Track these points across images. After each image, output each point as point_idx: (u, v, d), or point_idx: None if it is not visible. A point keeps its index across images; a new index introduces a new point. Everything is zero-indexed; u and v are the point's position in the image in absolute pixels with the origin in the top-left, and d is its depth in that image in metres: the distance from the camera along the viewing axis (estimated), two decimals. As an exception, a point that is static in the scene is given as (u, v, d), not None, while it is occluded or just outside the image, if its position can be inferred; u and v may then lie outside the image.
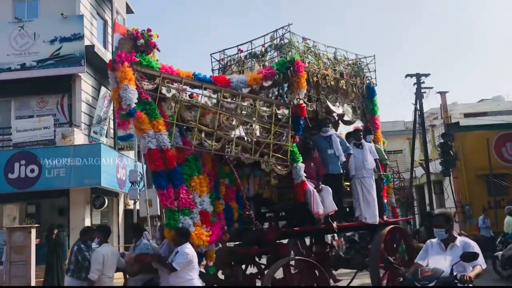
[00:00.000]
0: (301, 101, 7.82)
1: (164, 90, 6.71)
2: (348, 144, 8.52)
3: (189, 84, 6.97)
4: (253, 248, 7.58)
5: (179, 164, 6.75)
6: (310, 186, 7.60)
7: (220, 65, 9.08)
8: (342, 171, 8.33)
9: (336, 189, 8.21)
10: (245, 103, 7.42)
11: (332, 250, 10.18)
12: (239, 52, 8.84)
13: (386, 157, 9.70)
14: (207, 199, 6.95)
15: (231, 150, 7.13)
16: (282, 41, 8.15)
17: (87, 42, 16.43)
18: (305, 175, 7.67)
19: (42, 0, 17.19)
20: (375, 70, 9.81)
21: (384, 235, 8.49)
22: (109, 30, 18.15)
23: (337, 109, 8.80)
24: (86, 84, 16.84)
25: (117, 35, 6.57)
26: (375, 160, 8.95)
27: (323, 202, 7.61)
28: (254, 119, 7.38)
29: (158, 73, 6.65)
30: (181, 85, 6.85)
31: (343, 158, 8.29)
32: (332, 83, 8.63)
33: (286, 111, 7.76)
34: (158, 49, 6.80)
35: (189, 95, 7.08)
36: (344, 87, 8.84)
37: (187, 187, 6.74)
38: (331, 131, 8.53)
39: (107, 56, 17.18)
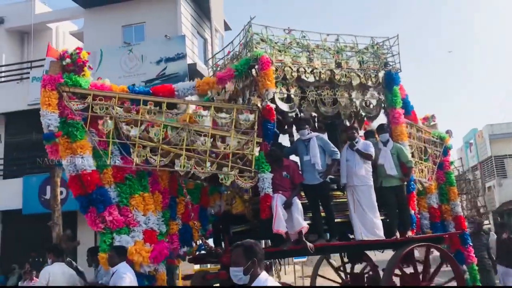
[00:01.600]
0: (268, 103, 6.82)
1: (98, 108, 6.46)
2: (332, 148, 7.15)
3: (124, 98, 6.59)
4: (221, 273, 6.76)
5: (117, 184, 6.41)
6: (279, 199, 6.53)
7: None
8: (323, 180, 7.00)
9: (313, 201, 7.01)
10: (195, 111, 6.73)
11: (374, 269, 8.62)
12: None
13: (410, 158, 7.90)
14: (154, 217, 6.47)
15: (182, 164, 6.53)
16: (247, 38, 7.24)
17: (189, 61, 17.04)
18: (277, 186, 6.67)
19: (148, 24, 18.27)
20: (398, 53, 8.11)
21: (399, 257, 6.86)
22: (209, 47, 18.66)
23: (329, 109, 7.44)
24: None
25: (48, 59, 6.56)
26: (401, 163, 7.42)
27: (289, 219, 6.47)
28: (207, 127, 6.66)
29: (88, 91, 6.45)
30: (116, 101, 6.52)
31: (319, 167, 6.94)
32: (323, 76, 7.35)
33: (252, 116, 6.84)
34: (90, 67, 6.62)
35: (126, 110, 6.64)
36: (343, 79, 7.46)
37: (126, 206, 6.36)
38: (311, 133, 7.25)
39: (208, 73, 17.66)
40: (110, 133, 6.43)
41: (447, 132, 9.08)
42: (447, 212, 8.55)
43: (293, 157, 7.58)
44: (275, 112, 6.90)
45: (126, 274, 5.61)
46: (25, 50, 19.01)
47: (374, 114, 7.86)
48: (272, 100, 6.94)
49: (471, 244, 8.45)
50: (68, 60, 6.37)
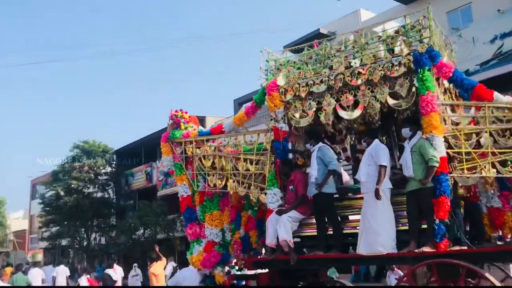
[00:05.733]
0: (274, 124, 7.47)
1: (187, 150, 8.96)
2: (329, 159, 6.74)
3: (199, 140, 8.76)
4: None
5: (201, 205, 8.69)
6: (272, 215, 7.16)
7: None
8: (318, 192, 6.82)
9: (315, 213, 7.02)
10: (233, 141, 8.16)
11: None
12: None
13: (433, 156, 5.99)
14: (217, 230, 8.35)
15: (230, 186, 8.18)
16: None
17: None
18: (287, 201, 7.29)
19: (475, 3, 17.39)
20: (428, 27, 6.47)
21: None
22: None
23: (349, 112, 6.96)
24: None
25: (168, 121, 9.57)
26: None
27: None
28: (240, 154, 8.00)
29: (181, 140, 9.05)
30: (195, 142, 8.82)
31: (312, 179, 6.84)
32: (332, 82, 7.10)
33: (265, 138, 7.69)
34: (187, 121, 9.08)
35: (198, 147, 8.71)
36: (352, 78, 6.93)
37: (203, 222, 8.56)
38: (316, 145, 7.11)
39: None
40: (194, 166, 8.79)
41: None
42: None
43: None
44: (286, 131, 7.44)
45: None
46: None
47: (405, 105, 6.67)
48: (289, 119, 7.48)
49: None
50: (170, 121, 9.25)
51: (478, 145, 6.39)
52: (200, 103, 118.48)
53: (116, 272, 13.36)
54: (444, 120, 6.61)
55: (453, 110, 6.90)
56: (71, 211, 28.23)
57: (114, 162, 31.79)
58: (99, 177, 30.55)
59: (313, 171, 6.96)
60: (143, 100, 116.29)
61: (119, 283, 13.53)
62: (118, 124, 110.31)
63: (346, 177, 8.17)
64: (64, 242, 30.92)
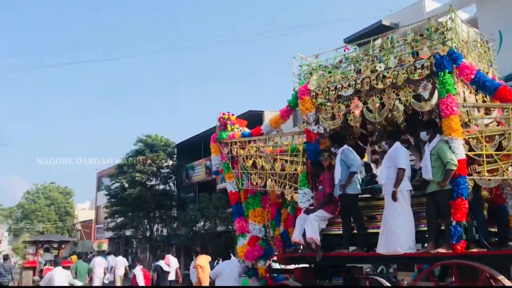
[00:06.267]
0: (305, 126, 7.84)
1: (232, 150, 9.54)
2: (351, 161, 7.02)
3: (242, 141, 9.28)
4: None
5: (245, 202, 9.25)
6: (301, 214, 7.58)
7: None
8: (342, 193, 7.16)
9: (341, 213, 7.27)
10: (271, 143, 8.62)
11: None
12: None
13: (450, 159, 5.97)
14: (259, 226, 8.87)
15: (268, 184, 8.67)
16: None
17: None
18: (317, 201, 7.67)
19: None
20: (450, 29, 6.47)
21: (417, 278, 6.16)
22: None
23: (375, 114, 7.13)
24: None
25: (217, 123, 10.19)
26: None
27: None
28: (277, 154, 8.45)
29: (228, 141, 9.63)
30: (239, 143, 9.37)
31: (336, 181, 7.19)
32: (359, 85, 7.31)
33: (298, 139, 8.08)
34: (233, 123, 9.66)
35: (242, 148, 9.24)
36: (377, 81, 7.10)
37: (247, 217, 9.12)
38: (340, 148, 7.44)
39: None
40: (239, 166, 9.36)
41: None
42: None
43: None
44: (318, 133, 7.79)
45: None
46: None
47: (428, 108, 6.73)
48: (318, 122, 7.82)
49: None
50: (218, 123, 9.89)
51: (502, 147, 6.35)
52: (264, 98, 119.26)
53: (170, 264, 14.26)
54: (469, 122, 6.63)
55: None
56: (134, 203, 29.32)
57: (175, 156, 32.51)
58: (161, 170, 31.45)
59: (337, 173, 7.26)
60: (204, 96, 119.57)
61: (171, 275, 14.37)
62: (180, 119, 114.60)
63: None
64: (128, 232, 32.12)
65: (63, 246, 24.57)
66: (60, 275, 10.60)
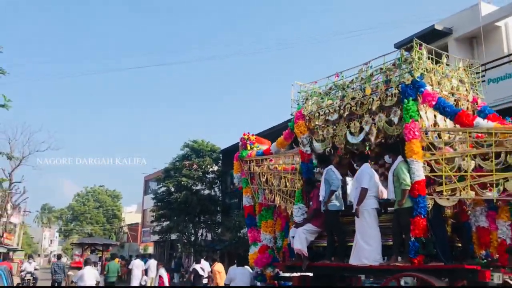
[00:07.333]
0: (300, 147, 8.70)
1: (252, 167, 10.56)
2: (332, 180, 7.77)
3: (257, 159, 10.27)
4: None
5: (259, 214, 10.24)
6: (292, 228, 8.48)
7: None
8: (323, 209, 7.93)
9: (325, 227, 8.01)
10: (276, 162, 9.55)
11: None
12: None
13: (404, 179, 6.58)
14: (269, 236, 9.81)
15: (276, 199, 9.62)
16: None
17: None
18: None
19: None
20: (413, 61, 7.03)
21: None
22: None
23: (355, 138, 7.84)
24: None
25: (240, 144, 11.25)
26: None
27: None
28: (281, 173, 9.37)
29: (247, 159, 10.67)
30: (255, 161, 10.37)
31: (321, 198, 7.99)
32: (342, 111, 8.06)
33: (297, 159, 8.95)
34: (253, 143, 10.68)
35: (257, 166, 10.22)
36: (356, 107, 7.82)
37: (259, 228, 10.11)
38: (327, 168, 8.16)
39: None
40: (256, 182, 10.37)
41: None
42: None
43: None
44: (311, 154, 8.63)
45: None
46: (475, 54, 18.38)
47: (397, 132, 7.33)
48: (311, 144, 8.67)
49: None
50: (240, 142, 10.97)
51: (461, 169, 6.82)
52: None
53: (204, 268, 15.46)
54: (434, 146, 7.15)
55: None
56: (180, 207, 29.43)
57: (220, 161, 32.28)
58: (207, 175, 31.37)
59: (322, 191, 8.06)
60: (248, 103, 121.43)
61: (204, 279, 15.53)
62: (225, 125, 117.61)
63: (384, 193, 8.94)
64: (173, 236, 32.33)
65: (107, 248, 26.52)
66: (89, 273, 12.30)
